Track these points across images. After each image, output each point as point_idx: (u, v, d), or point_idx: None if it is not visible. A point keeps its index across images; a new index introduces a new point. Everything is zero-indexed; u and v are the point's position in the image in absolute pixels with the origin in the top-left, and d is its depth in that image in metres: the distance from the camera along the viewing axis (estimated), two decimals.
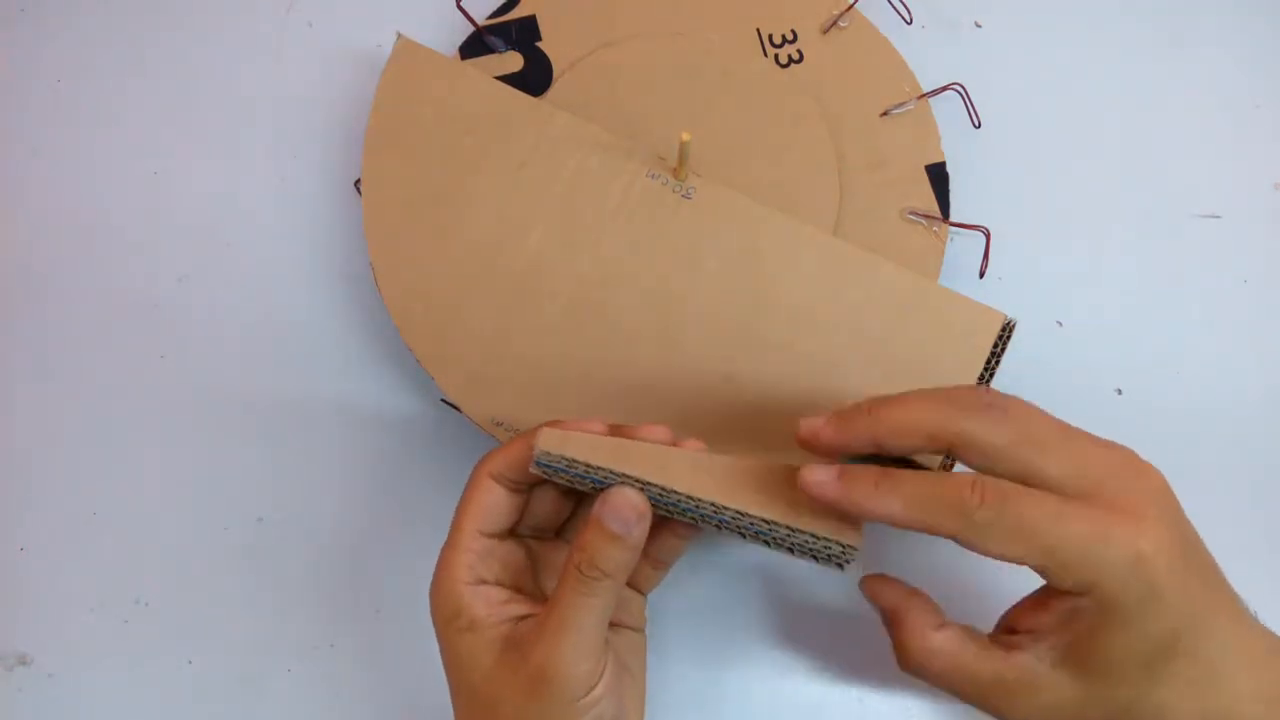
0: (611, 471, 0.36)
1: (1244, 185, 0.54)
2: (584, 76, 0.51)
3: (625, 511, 0.36)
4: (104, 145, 0.53)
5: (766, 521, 0.36)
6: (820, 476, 0.35)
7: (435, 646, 0.48)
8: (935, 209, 0.50)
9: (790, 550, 0.36)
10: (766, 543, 0.37)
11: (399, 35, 0.49)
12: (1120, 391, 0.52)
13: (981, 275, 0.50)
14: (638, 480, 0.36)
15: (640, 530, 0.36)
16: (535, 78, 0.51)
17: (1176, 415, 0.51)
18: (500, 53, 0.51)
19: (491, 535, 0.39)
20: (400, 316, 0.47)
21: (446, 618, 0.38)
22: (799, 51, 0.52)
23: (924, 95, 0.51)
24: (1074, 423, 0.49)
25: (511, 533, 0.41)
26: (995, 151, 0.53)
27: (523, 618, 0.37)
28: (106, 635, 0.48)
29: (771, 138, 0.50)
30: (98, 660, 0.48)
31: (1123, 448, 0.35)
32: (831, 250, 0.47)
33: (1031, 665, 0.35)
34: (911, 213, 0.50)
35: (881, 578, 0.40)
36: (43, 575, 0.49)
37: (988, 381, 0.45)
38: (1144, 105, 0.55)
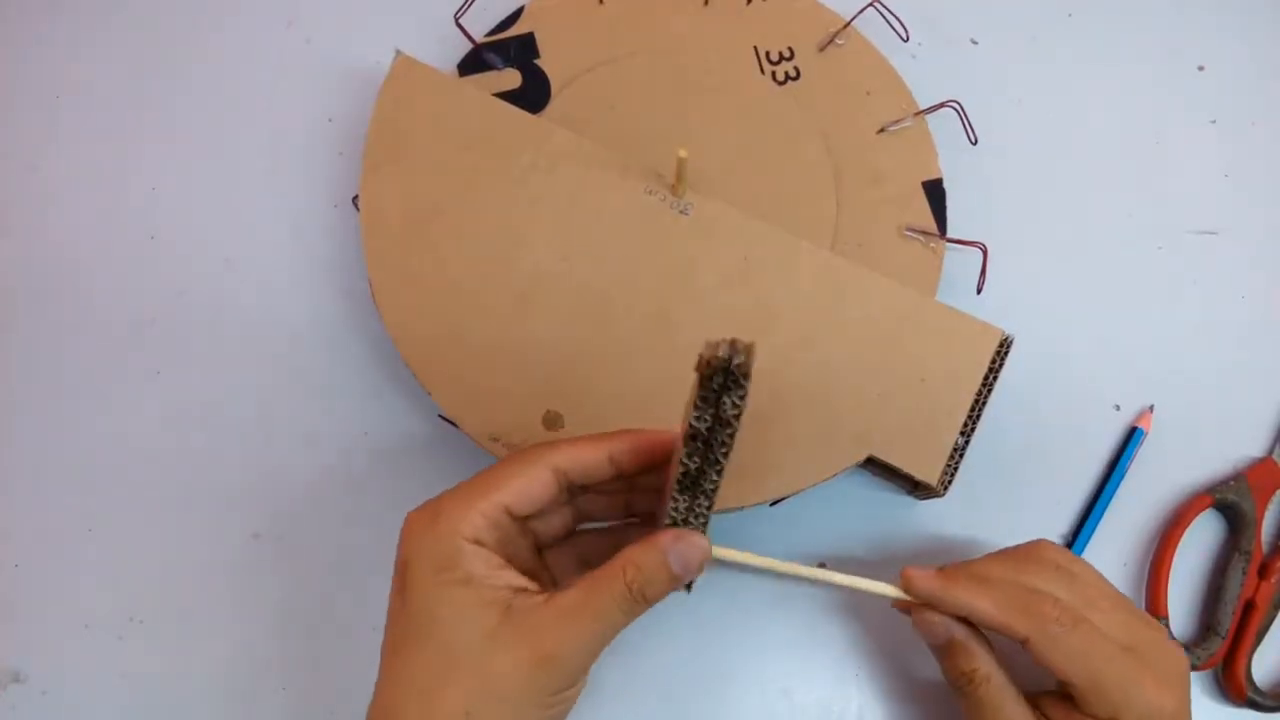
0: (727, 437, 0.34)
1: (1241, 202, 0.54)
2: (582, 93, 0.51)
3: (694, 559, 0.36)
4: (102, 161, 0.54)
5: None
6: (922, 573, 0.41)
7: None
8: (932, 225, 0.50)
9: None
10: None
11: (397, 52, 0.49)
12: (1118, 407, 0.51)
13: (979, 291, 0.50)
14: (724, 454, 0.34)
15: (695, 577, 0.37)
16: (533, 95, 0.51)
17: (1174, 431, 0.51)
18: (499, 70, 0.51)
19: (512, 517, 0.38)
20: (398, 332, 0.47)
21: (438, 565, 0.36)
22: (796, 69, 0.52)
23: (921, 112, 0.51)
24: (1074, 437, 0.49)
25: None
26: (992, 168, 0.53)
27: (520, 589, 0.36)
28: (100, 652, 0.48)
29: (769, 154, 0.51)
30: (91, 678, 0.48)
31: (1158, 624, 0.41)
32: (829, 266, 0.47)
33: None
34: (909, 229, 0.50)
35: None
36: (37, 592, 0.49)
37: (985, 397, 0.45)
38: (1140, 122, 0.55)
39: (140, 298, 0.52)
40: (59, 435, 0.50)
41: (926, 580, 0.40)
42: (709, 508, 0.36)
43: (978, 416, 0.45)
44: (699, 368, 0.32)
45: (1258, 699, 0.48)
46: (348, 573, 0.49)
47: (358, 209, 0.48)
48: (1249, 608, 0.49)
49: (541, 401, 0.46)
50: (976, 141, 0.53)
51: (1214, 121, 0.55)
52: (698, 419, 0.33)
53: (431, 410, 0.49)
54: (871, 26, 0.53)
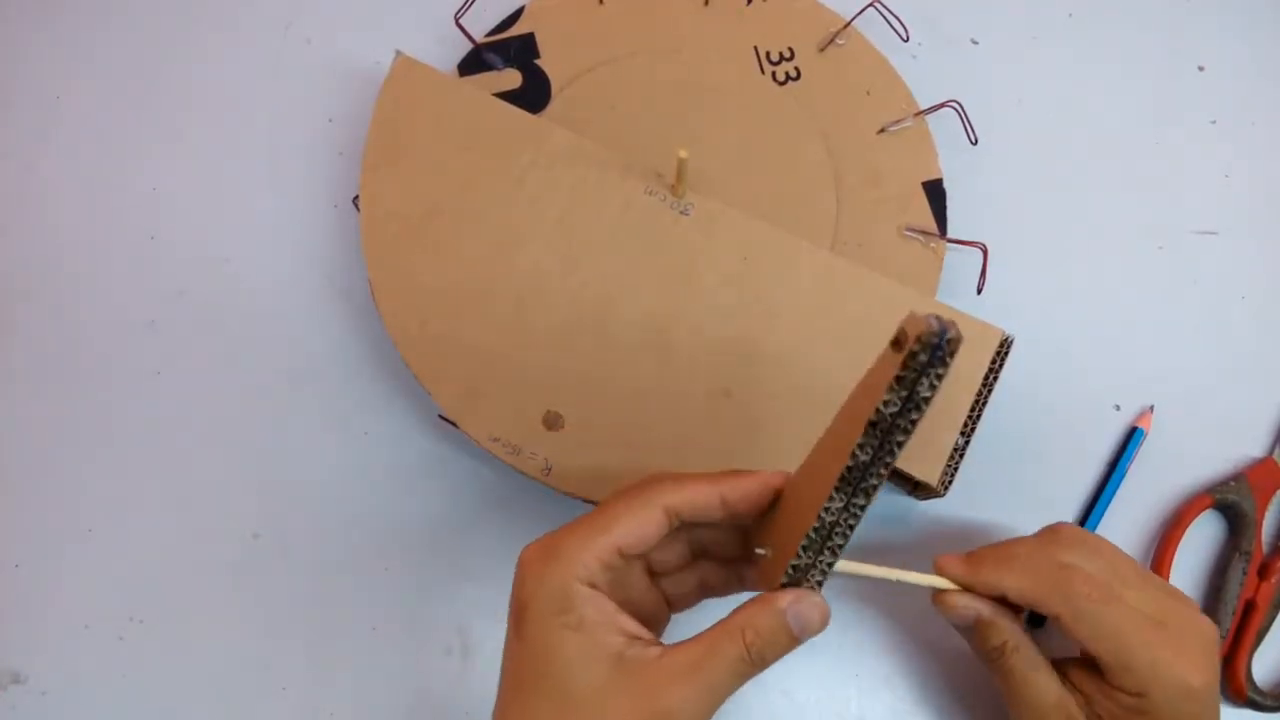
0: (914, 419, 0.32)
1: (1241, 202, 0.54)
2: (582, 94, 0.51)
3: (814, 620, 0.36)
4: (102, 161, 0.54)
5: (842, 545, 0.35)
6: (953, 560, 0.42)
7: (430, 667, 0.48)
8: (932, 225, 0.50)
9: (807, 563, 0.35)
10: (818, 539, 0.34)
11: (398, 53, 0.49)
12: (1118, 407, 0.51)
13: (979, 291, 0.50)
14: (906, 437, 0.32)
15: (809, 635, 0.36)
16: (534, 95, 0.51)
17: (1174, 431, 0.51)
18: (499, 70, 0.51)
19: (625, 557, 0.37)
20: (398, 332, 0.47)
21: (553, 609, 0.35)
22: (796, 69, 0.52)
23: (921, 112, 0.51)
24: (1074, 437, 0.49)
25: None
26: (992, 168, 0.53)
27: (633, 638, 0.36)
28: (100, 653, 0.48)
29: (769, 155, 0.51)
30: (91, 678, 0.48)
31: (1187, 598, 0.41)
32: (829, 266, 0.47)
33: (1069, 701, 0.41)
34: (909, 229, 0.50)
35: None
36: (37, 592, 0.49)
37: (986, 397, 0.45)
38: (1141, 122, 0.55)
39: (140, 298, 0.52)
40: (59, 435, 0.50)
41: (957, 566, 0.41)
42: (864, 509, 0.33)
43: (978, 417, 0.45)
44: (899, 342, 0.30)
45: (1258, 699, 0.48)
46: (348, 573, 0.49)
47: (358, 209, 0.48)
48: (1249, 608, 0.49)
49: (542, 401, 0.46)
50: (976, 141, 0.53)
51: (1214, 121, 0.55)
52: (886, 403, 0.30)
53: (431, 410, 0.49)
54: (871, 26, 0.53)
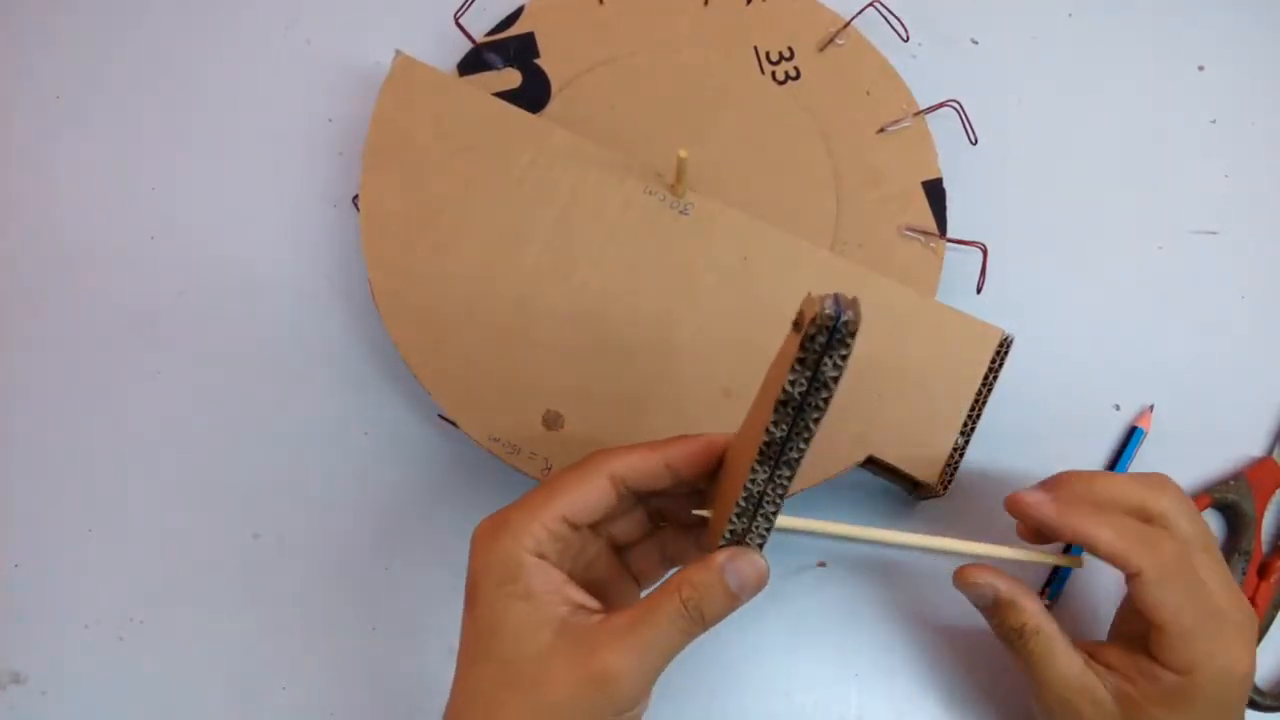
0: (822, 401, 0.31)
1: (1241, 202, 0.54)
2: (582, 93, 0.51)
3: (752, 579, 0.36)
4: (102, 161, 0.54)
5: (775, 513, 0.35)
6: (1037, 498, 0.40)
7: (432, 666, 0.48)
8: (932, 225, 0.50)
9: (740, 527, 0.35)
10: (746, 508, 0.35)
11: (397, 52, 0.49)
12: (1118, 407, 0.51)
13: (979, 291, 0.50)
14: (816, 421, 0.32)
15: (753, 595, 0.36)
16: (533, 94, 0.51)
17: (1174, 431, 0.51)
18: (498, 70, 0.51)
19: (573, 526, 0.37)
20: (398, 332, 0.47)
21: (500, 579, 0.36)
22: (796, 69, 0.52)
23: (920, 112, 0.51)
24: (1074, 437, 0.49)
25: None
26: (992, 168, 0.53)
27: (579, 606, 0.36)
28: (100, 653, 0.48)
29: (769, 154, 0.51)
30: (91, 678, 0.48)
31: (1239, 589, 0.40)
32: (829, 266, 0.47)
33: (1092, 681, 0.40)
34: (908, 229, 0.50)
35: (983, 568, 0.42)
36: (36, 592, 0.49)
37: (985, 397, 0.45)
38: (1140, 121, 0.55)
39: (140, 298, 0.52)
40: (59, 435, 0.50)
41: (1042, 507, 0.40)
42: (789, 479, 0.33)
43: (978, 416, 0.45)
44: (799, 323, 0.30)
45: (1258, 699, 0.48)
46: (348, 573, 0.49)
47: (358, 209, 0.48)
48: None
49: (541, 401, 0.46)
50: (976, 141, 0.53)
51: (1214, 121, 0.55)
52: (792, 383, 0.31)
53: (431, 410, 0.49)
54: (871, 26, 0.53)
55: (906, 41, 0.54)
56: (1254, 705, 0.48)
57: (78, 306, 0.52)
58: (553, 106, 0.51)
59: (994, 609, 0.41)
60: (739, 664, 0.48)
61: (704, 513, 0.38)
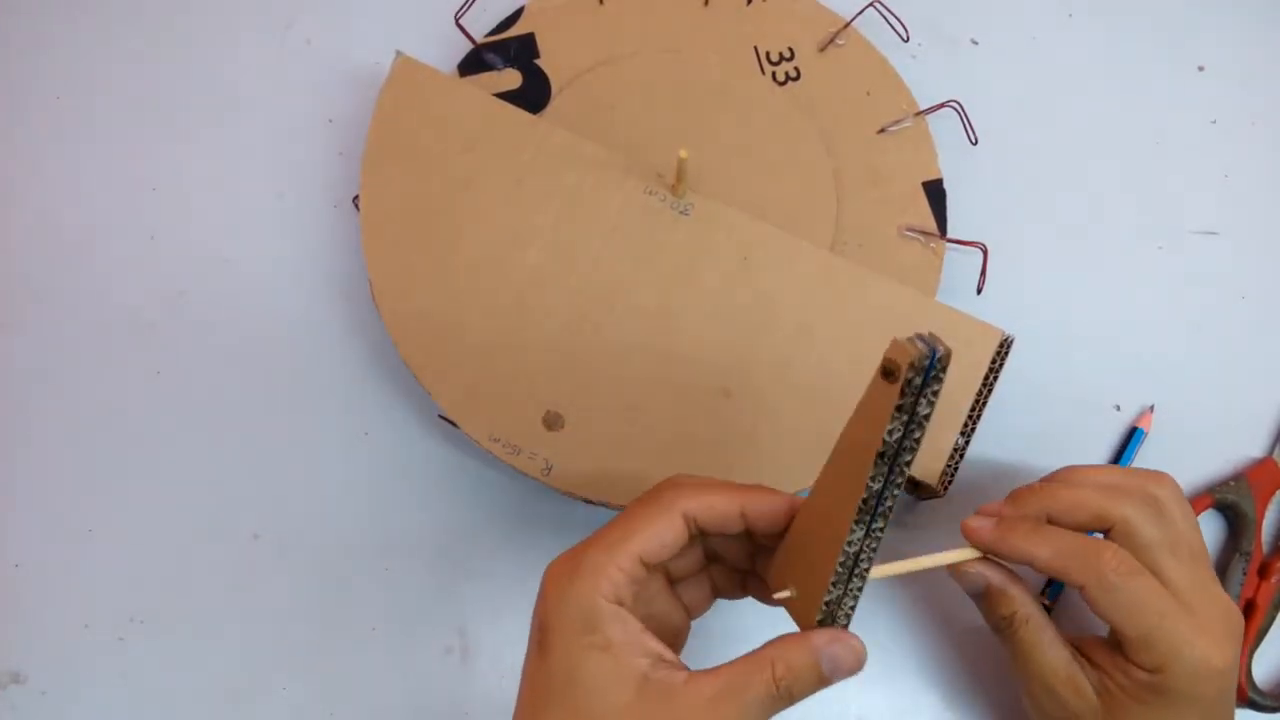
0: (916, 440, 0.31)
1: (1241, 202, 0.54)
2: (582, 94, 0.51)
3: (848, 664, 0.36)
4: (102, 161, 0.53)
5: (866, 572, 0.34)
6: (978, 523, 0.40)
7: (430, 667, 0.48)
8: (932, 225, 0.50)
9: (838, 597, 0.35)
10: (843, 571, 0.34)
11: (398, 53, 0.49)
12: (1118, 407, 0.51)
13: (979, 291, 0.50)
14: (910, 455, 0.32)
15: (840, 678, 0.36)
16: (534, 95, 0.51)
17: (1174, 431, 0.51)
18: (499, 70, 0.51)
19: (647, 566, 0.36)
20: (398, 333, 0.47)
21: (578, 629, 0.34)
22: (796, 69, 0.52)
23: (921, 112, 0.51)
24: (1074, 438, 0.49)
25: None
26: (992, 168, 0.53)
27: (658, 658, 0.35)
28: (100, 653, 0.48)
29: (769, 155, 0.51)
30: (91, 678, 0.48)
31: (1218, 581, 0.41)
32: (829, 266, 0.47)
33: (1077, 672, 0.40)
34: (909, 229, 0.50)
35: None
36: (37, 592, 0.49)
37: (986, 398, 0.45)
38: (1140, 122, 0.55)
39: (140, 298, 0.52)
40: (59, 435, 0.50)
41: (981, 533, 0.40)
42: (883, 531, 0.33)
43: (978, 417, 0.45)
44: (890, 371, 0.30)
45: (1258, 699, 0.48)
46: (348, 573, 0.49)
47: (358, 209, 0.48)
48: (1249, 608, 0.49)
49: (542, 401, 0.46)
50: (976, 141, 0.53)
51: (1214, 121, 0.55)
52: (890, 431, 0.30)
53: (432, 410, 0.49)
54: (871, 27, 0.53)
55: (907, 41, 0.54)
56: (1254, 705, 0.48)
57: (78, 306, 0.52)
58: (553, 107, 0.51)
59: (985, 597, 0.41)
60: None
61: (786, 594, 0.37)
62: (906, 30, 0.54)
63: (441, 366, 0.47)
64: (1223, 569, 0.50)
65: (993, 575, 0.40)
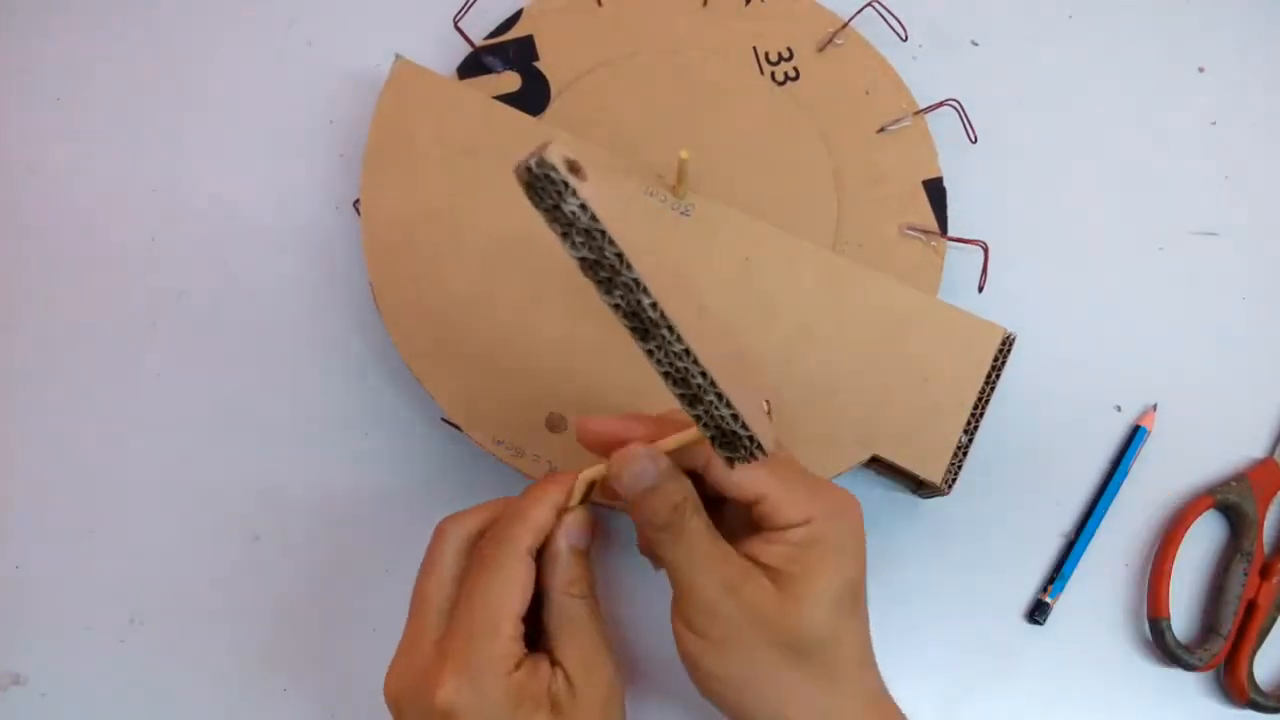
0: (600, 229, 0.32)
1: (1241, 203, 0.54)
2: (582, 95, 0.51)
3: (585, 527, 0.39)
4: (103, 162, 0.54)
5: (705, 375, 0.33)
6: (620, 423, 0.39)
7: None
8: (933, 224, 0.50)
9: (699, 414, 0.34)
10: (683, 390, 0.33)
11: (397, 56, 0.49)
12: (1119, 408, 0.51)
13: (980, 290, 0.50)
14: (618, 250, 0.32)
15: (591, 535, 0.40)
16: (533, 97, 0.51)
17: (1175, 432, 0.51)
18: (498, 73, 0.51)
19: (521, 617, 0.38)
20: (399, 335, 0.47)
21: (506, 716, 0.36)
22: (795, 69, 0.52)
23: (920, 111, 0.51)
24: (1074, 438, 0.49)
25: None
26: (992, 167, 0.53)
27: (551, 669, 0.38)
28: (101, 654, 0.48)
29: (769, 155, 0.51)
30: (92, 680, 0.48)
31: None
32: (830, 266, 0.47)
33: (751, 570, 0.37)
34: (909, 228, 0.50)
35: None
36: (37, 594, 0.49)
37: (988, 395, 0.45)
38: (1140, 122, 0.55)
39: (141, 299, 0.52)
40: (59, 436, 0.50)
41: (606, 423, 0.39)
42: (676, 342, 0.32)
43: (981, 415, 0.45)
44: (527, 191, 0.31)
45: (1259, 700, 0.48)
46: (348, 575, 0.49)
47: (358, 212, 0.48)
48: (1251, 608, 0.49)
49: (544, 404, 0.46)
50: (976, 140, 0.53)
51: (1214, 122, 0.55)
52: (568, 247, 0.32)
53: (433, 413, 0.49)
54: (871, 27, 0.53)
55: (906, 41, 0.54)
56: (1254, 705, 0.48)
57: (78, 307, 0.52)
58: (553, 109, 0.51)
59: (653, 494, 0.37)
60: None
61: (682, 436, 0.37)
62: (905, 30, 0.54)
63: (443, 369, 0.46)
64: (1224, 569, 0.50)
65: (663, 462, 0.37)
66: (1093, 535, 0.49)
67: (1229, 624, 0.48)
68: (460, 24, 0.51)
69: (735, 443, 0.34)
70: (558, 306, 0.47)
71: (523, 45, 0.52)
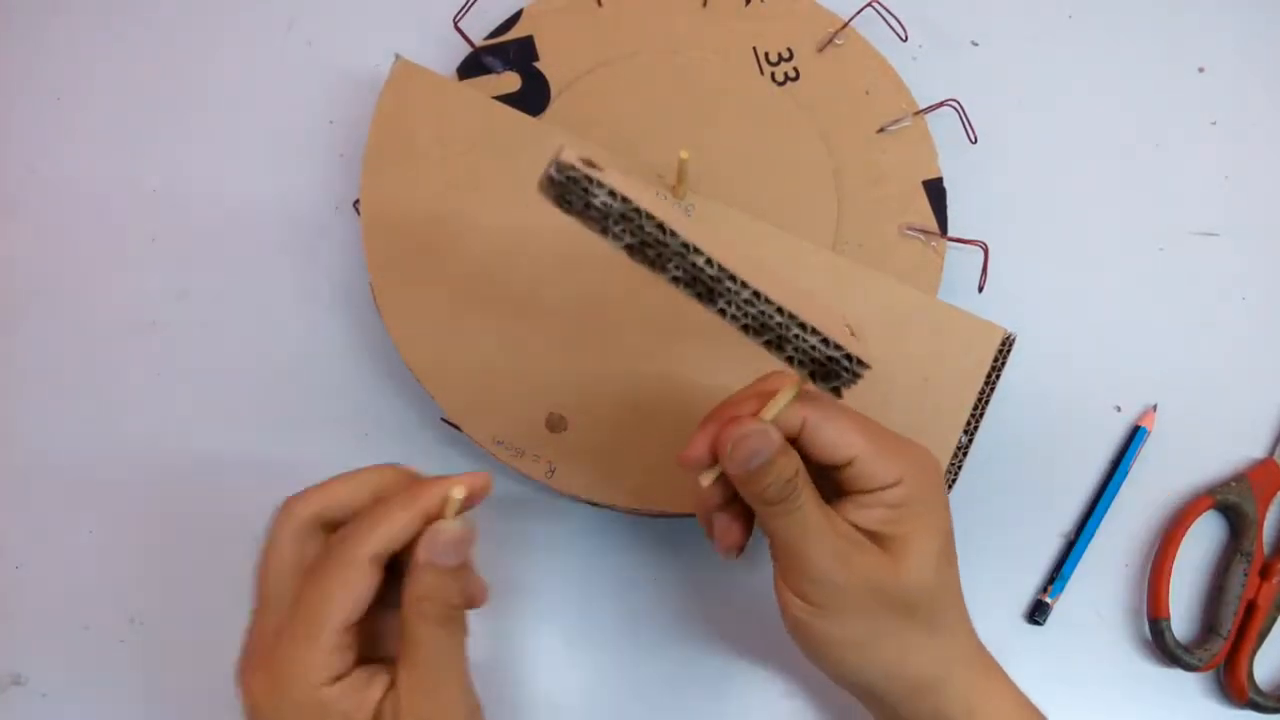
0: (635, 208, 0.32)
1: (1241, 203, 0.54)
2: (582, 96, 0.51)
3: (453, 543, 0.35)
4: (103, 162, 0.54)
5: (781, 311, 0.33)
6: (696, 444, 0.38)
7: None
8: (933, 224, 0.50)
9: (790, 354, 0.33)
10: (767, 336, 0.33)
11: (397, 56, 0.49)
12: (1119, 409, 0.51)
13: (980, 290, 0.50)
14: (658, 221, 0.32)
15: (468, 551, 0.36)
16: (533, 98, 0.51)
17: (1175, 432, 0.51)
18: (498, 73, 0.51)
19: (349, 627, 0.35)
20: (400, 335, 0.47)
21: None
22: (795, 69, 0.52)
23: (920, 111, 0.51)
24: (1074, 438, 0.49)
25: None
26: (992, 167, 0.53)
27: (387, 690, 0.35)
28: (101, 655, 0.48)
29: (769, 155, 0.51)
30: (92, 680, 0.48)
31: None
32: (831, 266, 0.47)
33: (858, 537, 0.37)
34: (909, 228, 0.50)
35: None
36: (37, 594, 0.49)
37: (988, 396, 0.45)
38: (1140, 123, 0.55)
39: (141, 299, 0.52)
40: (59, 436, 0.50)
41: (697, 439, 0.38)
42: (744, 293, 0.32)
43: (981, 415, 0.45)
44: (556, 200, 0.32)
45: (1259, 700, 0.48)
46: None
47: (358, 212, 0.48)
48: (1250, 609, 0.49)
49: (545, 404, 0.46)
50: (976, 140, 0.53)
51: (1214, 123, 0.55)
52: (623, 244, 0.32)
53: (433, 412, 0.49)
54: (870, 27, 0.53)
55: (905, 41, 0.54)
56: (1255, 706, 0.48)
57: (79, 307, 0.52)
58: (552, 109, 0.51)
59: (766, 469, 0.36)
60: (740, 664, 0.48)
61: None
62: (905, 30, 0.54)
63: (444, 369, 0.47)
64: (1224, 570, 0.50)
65: (776, 435, 0.36)
66: (1093, 535, 0.49)
67: (1229, 624, 0.48)
68: (460, 24, 0.51)
69: (834, 369, 0.34)
70: (558, 306, 0.47)
71: (523, 45, 0.52)
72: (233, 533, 0.49)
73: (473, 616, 0.48)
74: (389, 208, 0.48)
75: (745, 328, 0.33)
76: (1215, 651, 0.48)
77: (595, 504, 0.46)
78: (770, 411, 0.36)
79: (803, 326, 0.33)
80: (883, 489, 0.37)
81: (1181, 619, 0.50)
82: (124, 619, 0.48)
